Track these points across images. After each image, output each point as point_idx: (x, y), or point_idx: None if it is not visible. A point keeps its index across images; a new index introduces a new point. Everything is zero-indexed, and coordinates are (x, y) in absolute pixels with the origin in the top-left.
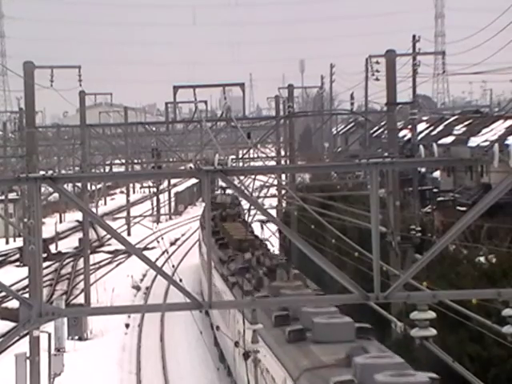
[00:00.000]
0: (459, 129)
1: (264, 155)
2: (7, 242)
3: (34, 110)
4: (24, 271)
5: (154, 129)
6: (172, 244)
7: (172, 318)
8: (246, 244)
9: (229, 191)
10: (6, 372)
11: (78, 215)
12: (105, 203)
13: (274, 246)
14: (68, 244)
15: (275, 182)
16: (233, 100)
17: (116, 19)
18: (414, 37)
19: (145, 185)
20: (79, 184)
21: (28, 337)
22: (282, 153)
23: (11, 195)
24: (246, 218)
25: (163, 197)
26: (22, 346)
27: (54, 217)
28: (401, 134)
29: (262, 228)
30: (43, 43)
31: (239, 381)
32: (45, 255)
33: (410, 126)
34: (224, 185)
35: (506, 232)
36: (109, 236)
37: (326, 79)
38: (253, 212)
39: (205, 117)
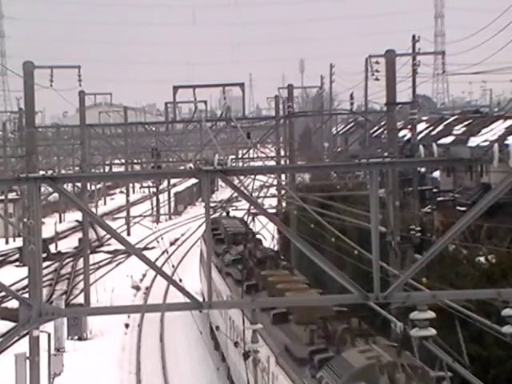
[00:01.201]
0: (459, 129)
1: (264, 155)
2: (7, 242)
3: (34, 110)
4: (24, 271)
5: (153, 129)
6: (172, 244)
7: (172, 318)
8: (344, 334)
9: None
10: (5, 372)
11: (78, 215)
12: (104, 203)
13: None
14: (68, 244)
15: (275, 182)
16: (232, 100)
17: (116, 19)
18: (413, 37)
19: (144, 185)
20: (79, 184)
21: (28, 337)
22: (282, 153)
23: (11, 195)
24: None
25: (163, 197)
26: (22, 345)
27: (53, 217)
28: (400, 133)
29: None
30: (43, 43)
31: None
32: (44, 255)
33: (409, 126)
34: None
35: (506, 232)
36: (108, 236)
37: (326, 79)
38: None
39: (204, 117)
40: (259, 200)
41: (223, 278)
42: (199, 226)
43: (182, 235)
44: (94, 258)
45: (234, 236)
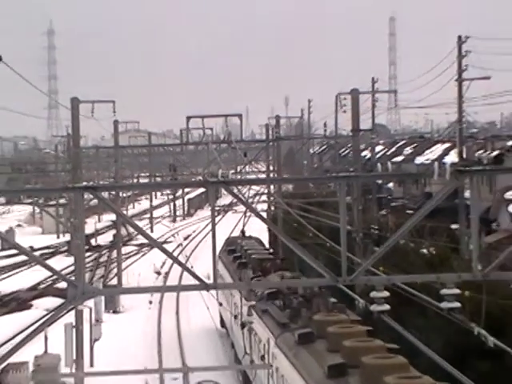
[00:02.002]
0: (408, 150)
1: (257, 170)
2: (58, 237)
3: (79, 135)
4: (71, 260)
5: (171, 149)
6: (185, 238)
7: (186, 296)
8: None
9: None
10: (56, 339)
11: (112, 216)
12: (133, 207)
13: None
14: (105, 239)
15: (266, 191)
16: (232, 127)
17: (139, 64)
18: (372, 79)
19: (164, 193)
20: (113, 192)
21: (74, 310)
22: (271, 168)
23: (61, 201)
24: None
25: (178, 202)
26: (69, 317)
27: (93, 217)
28: (363, 154)
29: None
30: (87, 81)
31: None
32: (87, 247)
33: (369, 148)
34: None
35: (443, 230)
36: (136, 232)
37: (305, 111)
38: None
39: (211, 140)
40: (253, 205)
41: (258, 315)
42: (206, 225)
43: (194, 232)
44: (124, 250)
45: (261, 262)
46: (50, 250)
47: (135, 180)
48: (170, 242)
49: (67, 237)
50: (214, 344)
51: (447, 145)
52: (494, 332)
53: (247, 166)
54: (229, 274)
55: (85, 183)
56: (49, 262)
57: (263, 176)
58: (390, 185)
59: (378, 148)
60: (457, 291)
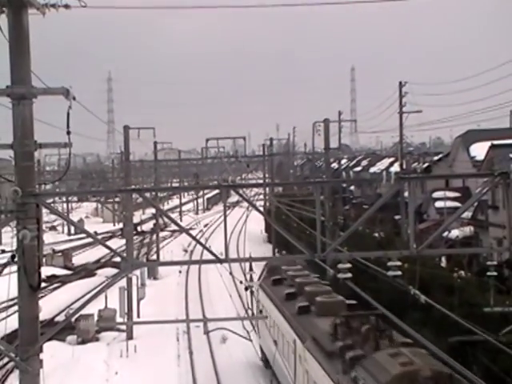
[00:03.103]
0: (364, 162)
1: (256, 177)
2: (114, 225)
3: (129, 152)
4: (123, 241)
5: (194, 162)
6: (205, 226)
7: (205, 268)
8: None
9: None
10: (113, 297)
11: (153, 210)
12: (167, 203)
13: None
14: (147, 226)
15: (262, 192)
16: (238, 146)
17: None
18: (339, 111)
19: (190, 193)
20: (153, 193)
21: (125, 278)
22: (267, 175)
23: (117, 199)
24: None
25: (200, 200)
26: (122, 282)
27: (139, 211)
28: (332, 165)
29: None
30: (135, 113)
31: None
32: (134, 232)
33: (337, 161)
34: None
35: (389, 220)
36: (170, 221)
37: (291, 135)
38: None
39: (223, 155)
40: (253, 202)
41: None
42: (220, 216)
43: (211, 221)
44: (161, 234)
45: (327, 306)
46: (109, 234)
47: (169, 184)
48: (194, 228)
49: (120, 225)
50: (225, 300)
51: (392, 159)
52: (424, 292)
53: (249, 174)
54: (273, 304)
55: (133, 187)
56: (108, 243)
57: (261, 181)
58: (352, 187)
59: (343, 161)
60: (399, 263)
